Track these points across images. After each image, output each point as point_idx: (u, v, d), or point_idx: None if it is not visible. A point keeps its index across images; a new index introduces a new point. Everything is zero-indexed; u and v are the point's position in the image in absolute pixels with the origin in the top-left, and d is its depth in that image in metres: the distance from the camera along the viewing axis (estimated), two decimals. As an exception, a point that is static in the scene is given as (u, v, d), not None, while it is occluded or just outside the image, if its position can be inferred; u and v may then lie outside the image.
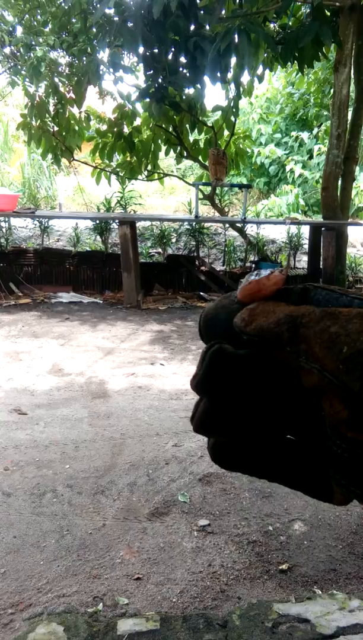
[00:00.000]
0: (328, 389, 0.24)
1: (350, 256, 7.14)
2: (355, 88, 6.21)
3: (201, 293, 6.51)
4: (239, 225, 6.91)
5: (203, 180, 6.74)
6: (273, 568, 1.91)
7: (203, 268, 6.74)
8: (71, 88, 6.39)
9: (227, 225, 7.31)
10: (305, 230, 7.05)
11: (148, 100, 5.69)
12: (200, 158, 6.94)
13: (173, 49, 5.25)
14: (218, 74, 4.89)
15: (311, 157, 11.18)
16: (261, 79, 6.27)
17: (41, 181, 11.45)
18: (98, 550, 1.97)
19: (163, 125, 6.53)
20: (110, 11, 5.18)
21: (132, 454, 2.69)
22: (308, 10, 5.49)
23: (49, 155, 6.88)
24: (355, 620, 1.60)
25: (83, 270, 6.68)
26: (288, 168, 11.09)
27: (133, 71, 6.24)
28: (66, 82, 6.38)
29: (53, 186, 11.47)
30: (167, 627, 1.57)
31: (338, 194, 6.24)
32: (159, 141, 6.80)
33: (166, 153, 7.00)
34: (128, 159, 6.90)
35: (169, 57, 5.32)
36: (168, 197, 12.30)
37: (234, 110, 6.28)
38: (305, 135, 11.37)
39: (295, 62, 5.24)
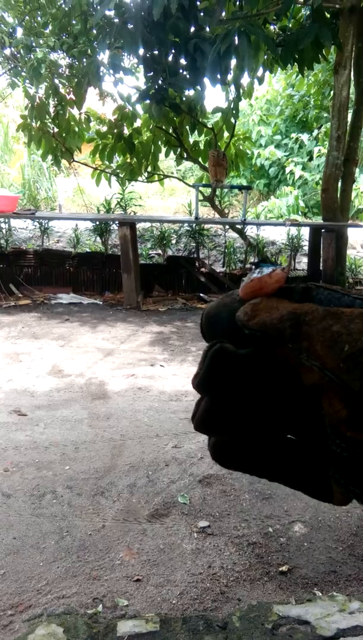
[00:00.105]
0: (328, 388, 0.24)
1: (350, 258, 7.15)
2: (355, 90, 6.22)
3: (201, 294, 6.51)
4: (239, 226, 6.92)
5: (203, 182, 6.75)
6: (273, 570, 1.91)
7: (203, 269, 6.74)
8: (71, 89, 6.40)
9: (227, 226, 7.31)
10: (305, 232, 7.06)
11: (148, 101, 5.70)
12: (200, 159, 6.95)
13: (173, 51, 5.26)
14: (218, 76, 4.90)
15: (311, 159, 11.20)
16: (261, 80, 6.28)
17: (41, 182, 11.46)
18: (98, 552, 1.97)
19: (163, 127, 6.54)
20: (110, 13, 5.19)
21: (132, 456, 2.69)
22: (308, 12, 5.50)
23: (49, 157, 6.89)
24: (355, 622, 1.60)
25: (83, 271, 6.68)
26: (288, 170, 11.10)
27: (133, 73, 6.25)
28: (66, 83, 6.40)
29: (53, 187, 11.47)
30: (167, 629, 1.57)
31: (338, 195, 6.24)
32: (159, 142, 6.81)
33: (166, 154, 7.01)
34: (128, 160, 6.91)
35: (170, 58, 5.33)
36: (168, 198, 12.31)
37: (234, 111, 6.29)
38: (305, 137, 11.38)
39: (295, 64, 5.25)
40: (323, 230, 6.30)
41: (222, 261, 7.25)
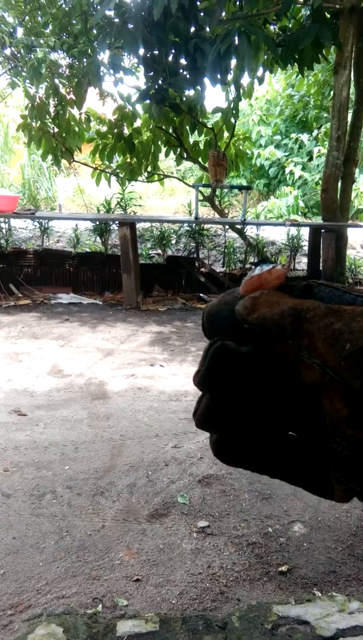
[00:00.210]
0: (329, 386, 0.24)
1: (350, 258, 7.15)
2: (354, 90, 6.23)
3: (201, 294, 6.51)
4: (239, 226, 6.92)
5: (203, 182, 6.75)
6: (273, 570, 1.91)
7: (202, 269, 6.74)
8: (71, 89, 6.40)
9: (227, 226, 7.31)
10: (305, 232, 7.06)
11: (148, 101, 5.70)
12: (200, 159, 6.95)
13: (173, 51, 5.26)
14: (218, 76, 4.90)
15: (311, 159, 11.20)
16: (261, 80, 6.28)
17: (41, 182, 11.46)
18: (97, 552, 1.97)
19: (163, 127, 6.54)
20: (110, 13, 5.19)
21: (131, 455, 2.69)
22: (308, 13, 5.51)
23: (49, 157, 6.89)
24: (355, 622, 1.60)
25: (83, 271, 6.68)
26: (287, 170, 11.10)
27: (133, 73, 6.25)
28: (67, 83, 6.39)
29: (53, 187, 11.47)
30: (166, 629, 1.57)
31: (338, 195, 6.25)
32: (159, 142, 6.81)
33: (166, 154, 7.02)
34: (128, 160, 6.91)
35: (170, 58, 5.33)
36: (167, 198, 12.31)
37: (234, 112, 6.29)
38: (304, 137, 11.39)
39: (295, 64, 5.25)
40: (323, 231, 6.30)
41: (222, 261, 7.26)
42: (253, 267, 0.30)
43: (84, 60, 5.92)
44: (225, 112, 6.34)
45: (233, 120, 6.49)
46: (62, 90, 6.44)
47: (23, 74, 6.23)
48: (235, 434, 0.29)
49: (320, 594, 1.78)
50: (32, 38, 5.99)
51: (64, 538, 2.04)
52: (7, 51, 6.43)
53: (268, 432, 0.29)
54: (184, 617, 1.64)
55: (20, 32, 6.46)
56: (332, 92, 6.87)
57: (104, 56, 5.66)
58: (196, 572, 1.88)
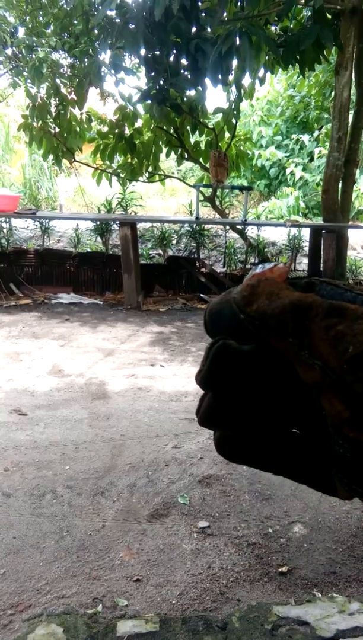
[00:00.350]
0: (330, 388, 0.24)
1: (351, 259, 7.15)
2: (356, 91, 6.23)
3: (202, 295, 6.51)
4: (239, 227, 6.92)
5: (204, 182, 6.75)
6: (273, 570, 1.91)
7: (203, 270, 6.74)
8: (72, 89, 6.40)
9: (228, 227, 7.31)
10: (306, 233, 7.06)
11: (149, 102, 5.71)
12: (201, 160, 6.96)
13: (174, 51, 5.26)
14: (219, 76, 4.90)
15: (311, 160, 11.20)
16: (262, 81, 6.28)
17: (42, 182, 11.45)
18: (98, 552, 1.97)
19: (164, 127, 6.54)
20: (112, 13, 5.19)
21: (132, 456, 2.69)
22: (309, 13, 5.51)
23: (50, 156, 6.90)
24: (355, 624, 1.60)
25: (84, 271, 6.68)
26: (288, 170, 11.10)
27: (134, 73, 6.25)
28: (68, 83, 6.40)
29: (54, 187, 11.47)
30: (166, 629, 1.57)
31: (339, 196, 6.25)
32: (160, 143, 6.81)
33: (167, 155, 7.02)
34: (129, 160, 6.91)
35: (171, 59, 5.33)
36: (168, 198, 12.31)
37: (235, 112, 6.29)
38: (305, 137, 11.38)
39: (296, 64, 5.26)
40: (323, 231, 6.30)
41: (222, 261, 7.26)
42: (254, 267, 0.30)
43: (86, 60, 5.93)
44: (226, 112, 6.34)
45: (234, 120, 6.50)
46: (64, 90, 6.44)
47: (24, 73, 6.23)
48: (237, 432, 0.29)
49: (320, 595, 1.78)
50: (34, 38, 6.00)
51: (65, 538, 2.04)
52: (9, 51, 6.43)
53: (270, 430, 0.29)
54: (184, 618, 1.64)
55: (21, 32, 6.46)
56: (332, 93, 6.87)
57: (106, 56, 5.66)
58: (196, 573, 1.88)
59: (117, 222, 6.21)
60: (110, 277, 6.64)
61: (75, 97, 6.40)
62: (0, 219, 6.65)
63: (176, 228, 7.37)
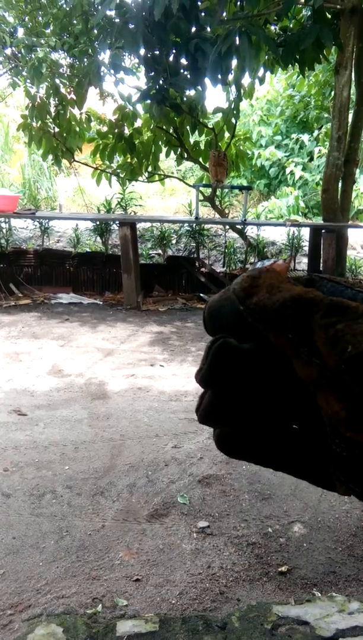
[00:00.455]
0: (327, 386, 0.24)
1: (350, 258, 7.15)
2: (355, 90, 6.23)
3: (201, 294, 6.51)
4: (239, 226, 6.92)
5: (204, 182, 6.75)
6: (273, 570, 1.91)
7: (203, 269, 6.74)
8: (71, 89, 6.40)
9: (227, 226, 7.31)
10: (305, 233, 7.06)
11: (148, 101, 5.70)
12: (201, 160, 6.95)
13: (173, 51, 5.26)
14: (219, 76, 4.90)
15: (311, 159, 11.20)
16: (262, 81, 6.28)
17: (41, 182, 11.45)
18: (97, 552, 1.97)
19: (164, 127, 6.54)
20: (111, 13, 5.19)
21: (131, 455, 2.69)
22: (309, 13, 5.51)
23: (50, 156, 6.89)
24: (355, 623, 1.60)
25: (83, 271, 6.68)
26: (288, 170, 11.10)
27: (134, 73, 6.25)
28: (67, 83, 6.39)
29: (53, 187, 11.47)
30: (166, 629, 1.57)
31: (339, 196, 6.25)
32: (160, 143, 6.81)
33: (167, 154, 7.02)
34: (129, 160, 6.91)
35: (170, 58, 5.33)
36: (168, 198, 12.31)
37: (235, 112, 6.29)
38: (305, 137, 11.38)
39: (296, 64, 5.26)
40: (323, 231, 6.30)
41: (222, 261, 7.25)
42: (253, 264, 0.30)
43: (85, 60, 5.93)
44: (226, 112, 6.34)
45: (233, 120, 6.49)
46: (63, 90, 6.44)
47: (24, 73, 6.23)
48: (237, 428, 0.29)
49: (319, 595, 1.78)
50: (33, 38, 5.99)
51: (64, 538, 2.04)
52: (8, 51, 6.43)
53: (270, 426, 0.29)
54: (184, 617, 1.64)
55: (21, 32, 6.46)
56: (332, 93, 6.87)
57: (105, 56, 5.66)
58: (196, 572, 1.88)
59: (117, 222, 6.21)
60: (110, 277, 6.64)
61: (74, 97, 6.40)
62: (0, 219, 6.65)
63: (176, 228, 7.37)
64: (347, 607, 1.67)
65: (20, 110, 9.84)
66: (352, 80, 5.96)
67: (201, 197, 6.49)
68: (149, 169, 7.08)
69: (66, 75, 6.36)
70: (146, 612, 1.68)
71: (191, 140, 6.94)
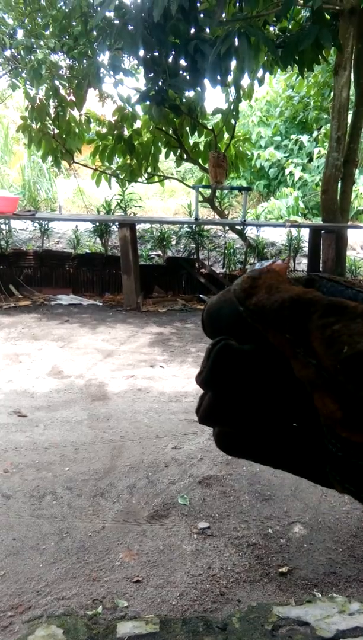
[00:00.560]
0: (323, 387, 0.24)
1: (350, 259, 7.15)
2: (355, 91, 6.23)
3: (201, 295, 6.51)
4: (239, 227, 6.92)
5: (203, 183, 6.75)
6: (273, 571, 1.91)
7: (202, 270, 6.74)
8: (71, 91, 6.40)
9: (227, 227, 7.31)
10: (305, 233, 7.06)
11: (148, 103, 5.71)
12: (200, 161, 6.96)
13: (173, 52, 5.27)
14: (218, 77, 4.90)
15: (311, 160, 11.20)
16: (261, 82, 6.28)
17: (41, 183, 11.46)
18: (98, 553, 1.97)
19: (163, 128, 6.54)
20: (110, 14, 5.19)
21: (131, 457, 2.69)
22: (308, 14, 5.51)
23: (49, 158, 6.90)
24: (355, 624, 1.60)
25: (83, 272, 6.68)
26: (287, 171, 11.11)
27: (133, 74, 6.26)
28: (67, 84, 6.40)
29: (53, 188, 11.48)
30: (167, 630, 1.57)
31: (338, 196, 6.25)
32: (159, 144, 6.81)
33: (166, 156, 7.02)
34: (128, 161, 6.91)
35: (170, 60, 5.34)
36: (167, 199, 12.32)
37: (234, 113, 6.30)
38: (304, 138, 11.39)
39: (295, 65, 5.26)
40: (323, 232, 6.30)
41: (222, 262, 7.26)
42: (252, 265, 0.30)
43: (84, 61, 5.93)
44: (225, 113, 6.34)
45: (233, 121, 6.50)
46: (62, 92, 6.44)
47: (23, 75, 6.24)
48: (237, 428, 0.29)
49: (320, 595, 1.78)
50: (32, 40, 6.00)
51: (64, 539, 2.04)
52: (7, 53, 6.44)
53: (269, 425, 0.29)
54: (184, 619, 1.63)
55: (20, 33, 6.47)
56: (331, 93, 6.87)
57: (104, 57, 5.66)
58: (196, 574, 1.88)
59: (117, 223, 6.21)
60: (109, 278, 6.64)
61: (74, 99, 6.41)
62: (-1, 221, 6.65)
63: (176, 229, 7.37)
64: (348, 607, 1.67)
65: (19, 111, 9.85)
66: (351, 81, 5.96)
67: (200, 198, 6.49)
68: (149, 170, 7.09)
69: (65, 76, 6.37)
70: (147, 613, 1.68)
71: (191, 142, 6.94)
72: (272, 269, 0.28)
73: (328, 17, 5.48)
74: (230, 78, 5.22)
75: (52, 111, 6.55)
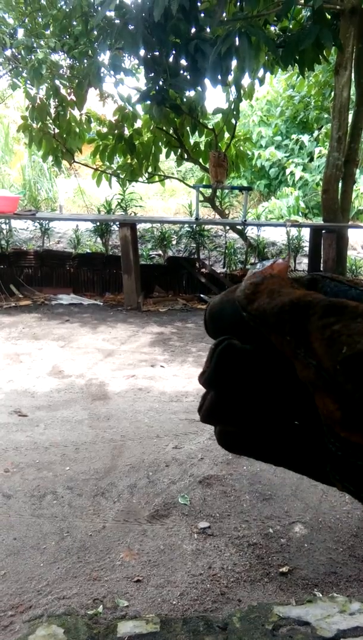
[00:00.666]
0: (323, 387, 0.24)
1: (351, 259, 7.15)
2: (355, 91, 6.22)
3: (202, 295, 6.51)
4: (239, 227, 6.92)
5: (204, 183, 6.75)
6: (274, 571, 1.91)
7: (203, 270, 6.74)
8: (71, 90, 6.40)
9: (227, 227, 7.31)
10: (306, 233, 7.06)
11: (148, 102, 5.71)
12: (201, 160, 6.96)
13: (173, 52, 5.26)
14: (219, 77, 4.90)
15: (311, 160, 11.20)
16: (262, 81, 6.28)
17: (42, 183, 11.46)
18: (98, 553, 1.97)
19: (164, 128, 6.54)
20: (111, 14, 5.19)
21: (132, 456, 2.69)
22: (308, 14, 5.51)
23: (50, 157, 6.90)
24: (356, 623, 1.60)
25: (83, 272, 6.68)
26: (288, 171, 11.10)
27: (134, 73, 6.26)
28: (67, 84, 6.40)
29: (54, 188, 11.48)
30: (167, 630, 1.57)
31: (339, 196, 6.24)
32: (160, 143, 6.81)
33: (167, 155, 7.02)
34: (129, 161, 6.91)
35: (170, 59, 5.33)
36: (168, 199, 12.31)
37: (234, 112, 6.29)
38: (305, 137, 11.38)
39: (296, 65, 5.25)
40: (323, 231, 6.30)
41: (222, 262, 7.26)
42: (253, 265, 0.30)
43: (85, 61, 5.93)
44: (226, 113, 6.34)
45: (233, 121, 6.49)
46: (63, 91, 6.44)
47: (24, 75, 6.24)
48: (239, 426, 0.29)
49: (320, 595, 1.78)
50: (33, 39, 6.00)
51: (65, 539, 2.04)
52: (8, 52, 6.44)
53: (271, 423, 0.29)
54: (185, 618, 1.63)
55: (20, 33, 6.47)
56: (332, 93, 6.86)
57: (105, 57, 5.66)
58: (196, 573, 1.88)
59: (117, 222, 6.21)
60: (110, 278, 6.65)
61: (74, 98, 6.41)
62: (0, 220, 6.65)
63: (176, 229, 7.37)
64: (348, 607, 1.67)
65: (20, 111, 9.86)
66: (351, 81, 5.96)
67: (201, 198, 6.49)
68: (149, 169, 7.08)
69: (65, 76, 6.37)
70: (147, 612, 1.68)
71: (191, 141, 6.94)
72: (274, 274, 0.28)
73: (329, 16, 5.48)
74: (230, 78, 5.21)
75: (52, 111, 6.55)
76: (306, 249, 7.03)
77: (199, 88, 5.50)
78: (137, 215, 7.54)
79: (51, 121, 6.60)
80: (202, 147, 6.94)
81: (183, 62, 5.30)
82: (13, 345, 4.53)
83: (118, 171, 7.04)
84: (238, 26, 4.52)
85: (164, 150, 6.88)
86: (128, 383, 3.72)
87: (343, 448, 0.24)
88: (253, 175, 12.05)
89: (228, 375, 0.27)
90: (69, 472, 2.52)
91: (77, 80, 6.14)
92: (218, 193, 7.19)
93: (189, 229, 7.11)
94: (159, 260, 7.15)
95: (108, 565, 1.91)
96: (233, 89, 5.85)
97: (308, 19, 5.39)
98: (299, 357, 0.25)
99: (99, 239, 7.17)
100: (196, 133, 6.60)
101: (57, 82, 6.23)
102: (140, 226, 7.25)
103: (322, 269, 6.37)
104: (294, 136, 11.57)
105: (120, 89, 6.22)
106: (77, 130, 6.76)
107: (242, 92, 6.18)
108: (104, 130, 6.83)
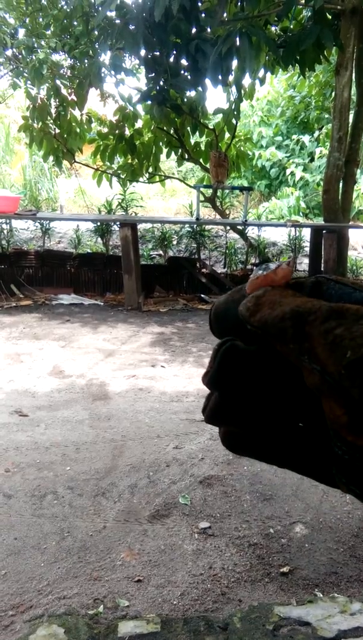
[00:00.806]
0: (329, 392, 0.24)
1: (352, 259, 7.15)
2: (356, 91, 6.22)
3: (202, 295, 6.51)
4: (240, 227, 6.92)
5: (204, 183, 6.75)
6: (274, 571, 1.90)
7: (204, 270, 6.74)
8: (72, 90, 6.41)
9: (228, 227, 7.31)
10: (306, 233, 7.06)
11: (149, 102, 5.71)
12: (201, 160, 6.96)
13: (174, 52, 5.26)
14: (220, 77, 4.90)
15: (312, 160, 11.19)
16: (262, 81, 6.28)
17: (42, 183, 11.46)
18: (99, 552, 1.97)
19: (164, 128, 6.54)
20: (112, 14, 5.19)
21: (133, 456, 2.69)
22: (309, 14, 5.51)
23: (51, 157, 6.90)
24: (357, 624, 1.60)
25: (84, 272, 6.69)
26: (289, 171, 11.09)
27: (135, 74, 6.26)
28: (68, 84, 6.40)
29: (54, 188, 11.48)
30: (168, 630, 1.57)
31: (340, 196, 6.24)
32: (161, 143, 6.81)
33: (168, 155, 7.02)
34: (129, 161, 6.92)
35: (171, 59, 5.33)
36: (169, 199, 12.31)
37: (235, 112, 6.29)
38: (306, 138, 11.38)
39: (297, 65, 5.25)
40: (324, 232, 6.30)
41: (223, 262, 7.26)
42: (256, 267, 0.30)
43: (86, 61, 5.93)
44: (226, 113, 6.34)
45: (234, 121, 6.49)
46: (64, 91, 6.45)
47: (24, 75, 6.24)
48: (244, 428, 0.29)
49: (321, 595, 1.78)
50: (34, 39, 6.00)
51: (66, 539, 2.04)
52: (9, 52, 6.44)
53: (276, 425, 0.29)
54: (185, 618, 1.63)
55: (21, 33, 6.47)
56: (333, 93, 6.86)
57: (106, 57, 5.66)
58: (197, 573, 1.88)
59: (118, 223, 6.21)
60: (111, 278, 6.65)
61: (75, 98, 6.41)
62: (0, 220, 6.65)
63: (177, 229, 7.37)
64: (349, 607, 1.67)
65: (21, 111, 9.86)
66: (352, 81, 5.96)
67: (201, 198, 6.49)
68: (150, 169, 7.09)
69: (66, 76, 6.37)
70: (148, 612, 1.68)
71: (192, 141, 6.94)
72: (276, 285, 0.28)
73: (330, 16, 5.48)
74: (231, 78, 5.21)
75: (53, 111, 6.56)
76: (307, 249, 7.03)
77: (199, 88, 5.50)
78: (138, 216, 7.54)
79: (51, 121, 6.60)
80: (203, 147, 6.94)
81: (184, 62, 5.30)
82: (14, 345, 4.53)
83: (119, 171, 7.04)
84: (238, 26, 4.52)
85: (164, 151, 6.89)
86: (129, 383, 3.72)
87: (349, 452, 0.24)
88: (253, 176, 12.05)
89: (231, 376, 0.27)
90: (69, 472, 2.52)
91: (78, 80, 6.15)
92: (219, 193, 7.19)
93: (189, 229, 7.11)
94: (160, 260, 7.15)
95: (109, 565, 1.91)
96: (233, 89, 5.85)
97: (308, 19, 5.39)
98: (304, 364, 0.25)
99: (99, 239, 7.17)
100: (197, 133, 6.60)
101: (58, 82, 6.24)
102: (141, 226, 7.25)
103: (322, 269, 6.37)
104: (295, 136, 11.57)
105: (121, 89, 6.23)
106: (78, 130, 6.76)
107: (243, 92, 6.18)
108: (105, 130, 6.83)
